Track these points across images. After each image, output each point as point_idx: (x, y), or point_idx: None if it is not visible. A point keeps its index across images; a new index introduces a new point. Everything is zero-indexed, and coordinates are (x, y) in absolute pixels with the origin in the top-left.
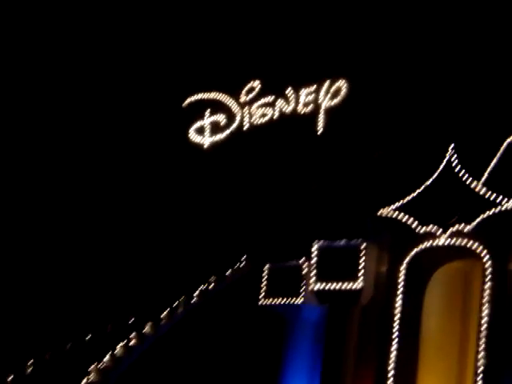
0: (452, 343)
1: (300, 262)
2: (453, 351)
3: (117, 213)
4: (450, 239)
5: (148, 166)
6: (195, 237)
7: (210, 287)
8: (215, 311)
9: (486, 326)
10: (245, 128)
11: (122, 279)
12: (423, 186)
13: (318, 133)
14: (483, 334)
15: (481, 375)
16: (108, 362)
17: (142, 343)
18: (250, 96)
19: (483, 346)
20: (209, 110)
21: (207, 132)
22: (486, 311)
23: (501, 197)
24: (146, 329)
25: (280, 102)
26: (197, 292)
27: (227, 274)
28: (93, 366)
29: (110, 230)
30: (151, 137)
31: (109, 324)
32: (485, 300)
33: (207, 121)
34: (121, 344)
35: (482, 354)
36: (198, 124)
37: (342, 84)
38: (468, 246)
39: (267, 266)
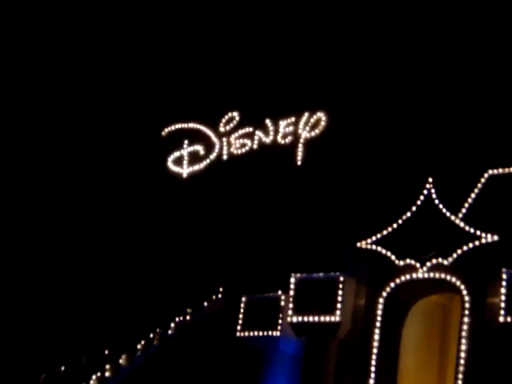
0: (430, 378)
1: (277, 294)
2: None
3: (95, 241)
4: (428, 272)
5: (126, 195)
6: (172, 268)
7: (187, 319)
8: (191, 343)
9: (463, 361)
10: (224, 158)
11: (96, 310)
12: (402, 219)
13: (297, 164)
14: (461, 369)
15: None
16: None
17: (117, 375)
18: (229, 127)
19: (461, 381)
20: (187, 140)
21: (186, 162)
22: (463, 346)
23: (479, 231)
24: (121, 360)
25: (259, 133)
26: (173, 324)
27: (204, 305)
28: None
29: (85, 259)
30: (130, 166)
31: (83, 355)
32: (463, 334)
33: (186, 151)
34: (95, 376)
35: None
36: (176, 154)
37: (321, 116)
38: (446, 279)
39: (244, 298)
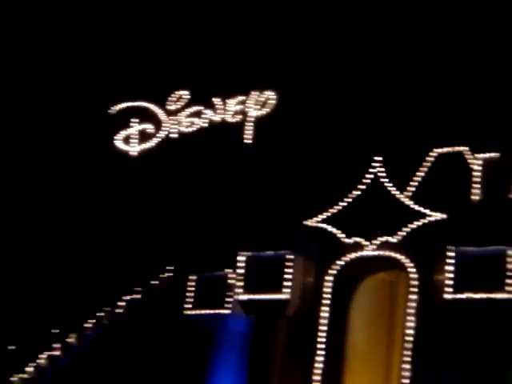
0: (378, 355)
1: (226, 272)
2: (379, 363)
3: (39, 220)
4: (376, 250)
5: (73, 174)
6: (120, 247)
7: (135, 297)
8: (140, 322)
9: (410, 338)
10: (172, 137)
11: (45, 289)
12: (350, 197)
13: (246, 143)
14: (408, 345)
15: None
16: (31, 373)
17: (66, 354)
18: (178, 105)
19: (408, 357)
20: (136, 119)
21: (134, 140)
22: (410, 323)
23: (426, 209)
24: (70, 339)
25: (208, 112)
26: (121, 302)
27: (152, 284)
28: (16, 378)
29: (32, 238)
30: (76, 144)
31: (32, 334)
32: (410, 311)
33: (134, 129)
34: (44, 355)
35: (407, 366)
36: (124, 132)
37: (270, 95)
38: (394, 257)
39: (192, 277)
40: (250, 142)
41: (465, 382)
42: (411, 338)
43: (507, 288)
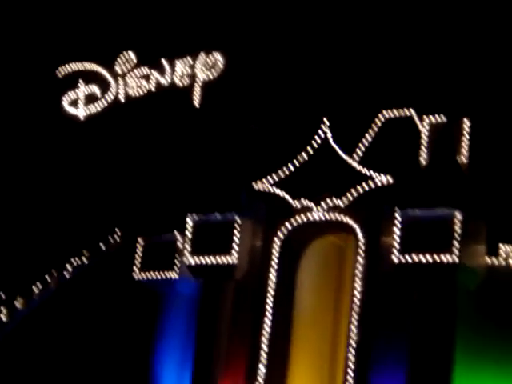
0: (326, 317)
1: (174, 235)
2: (326, 326)
3: None
4: (324, 213)
5: (20, 137)
6: (68, 210)
7: (83, 261)
8: (88, 286)
9: (358, 301)
10: (120, 100)
11: None
12: (298, 160)
13: (195, 106)
14: (356, 308)
15: (353, 350)
16: None
17: (12, 319)
18: (125, 67)
19: (356, 320)
20: (83, 81)
21: (82, 103)
22: (358, 286)
23: (374, 172)
24: (17, 304)
25: (155, 74)
26: (69, 266)
27: (100, 247)
28: None
29: None
30: (23, 107)
31: None
32: (357, 275)
33: (81, 92)
34: None
35: (354, 329)
36: (72, 95)
37: (217, 57)
38: (342, 220)
39: (141, 240)
40: (199, 105)
41: (411, 343)
42: (359, 301)
43: (454, 250)
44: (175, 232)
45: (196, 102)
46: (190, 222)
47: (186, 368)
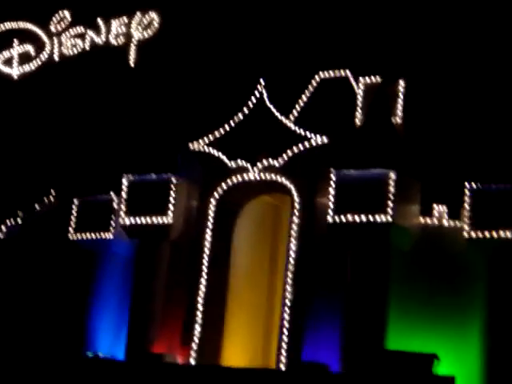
0: (261, 277)
1: (110, 196)
2: (262, 285)
3: None
4: (259, 174)
5: None
6: (2, 170)
7: (18, 222)
8: (23, 246)
9: (293, 260)
10: (55, 59)
11: None
12: (233, 121)
13: (130, 65)
14: (290, 268)
15: (288, 309)
16: None
17: None
18: (60, 26)
19: (291, 280)
20: (17, 40)
21: (16, 62)
22: (293, 246)
23: (310, 132)
24: None
25: (91, 33)
26: (3, 227)
27: (35, 208)
28: None
29: None
30: None
31: None
32: (292, 234)
33: (16, 51)
34: None
35: (289, 288)
36: (6, 54)
37: (153, 16)
38: (277, 180)
39: (76, 201)
40: (134, 64)
41: (346, 302)
42: (293, 261)
43: (388, 210)
44: (111, 192)
45: (131, 61)
46: (125, 183)
47: (122, 328)
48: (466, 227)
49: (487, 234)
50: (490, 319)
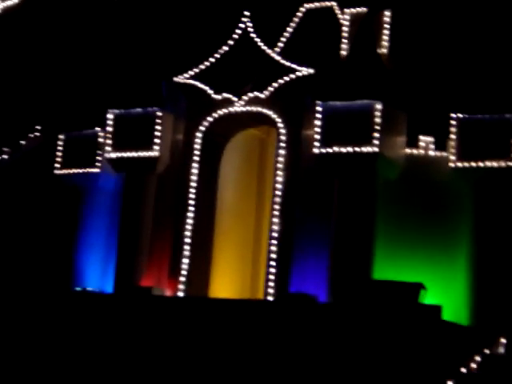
0: (248, 209)
1: (95, 130)
2: (249, 218)
3: None
4: (245, 106)
5: None
6: None
7: (4, 158)
8: (9, 183)
9: (280, 192)
10: None
11: None
12: (219, 53)
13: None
14: (277, 199)
15: (275, 241)
16: None
17: None
18: None
19: (277, 211)
20: None
21: None
22: (279, 177)
23: (295, 64)
24: None
25: None
26: None
27: (21, 144)
28: None
29: None
30: None
31: None
32: (279, 166)
33: None
34: None
35: (276, 220)
36: None
37: None
38: (263, 112)
39: (61, 136)
40: None
41: (333, 233)
42: (280, 192)
43: (374, 141)
44: (96, 127)
45: None
46: (110, 117)
47: (110, 263)
48: (452, 157)
49: (473, 164)
50: (477, 248)
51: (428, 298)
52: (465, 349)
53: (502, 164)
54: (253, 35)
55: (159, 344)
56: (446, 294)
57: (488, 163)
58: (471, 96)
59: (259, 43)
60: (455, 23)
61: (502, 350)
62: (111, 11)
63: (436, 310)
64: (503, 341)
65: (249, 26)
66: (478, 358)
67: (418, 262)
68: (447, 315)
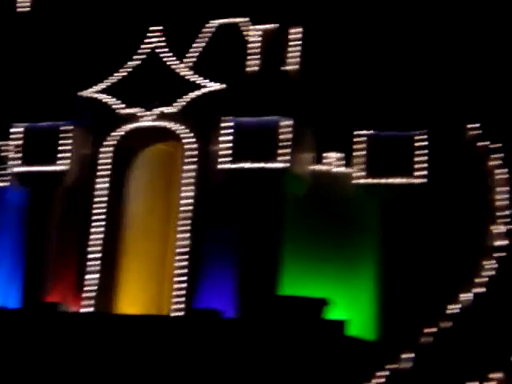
0: (156, 225)
1: (1, 144)
2: (157, 233)
3: None
4: (154, 121)
5: None
6: None
7: None
8: None
9: (187, 208)
10: None
11: None
12: (128, 67)
13: (22, 11)
14: (185, 215)
15: (183, 256)
16: None
17: None
18: None
19: (186, 226)
20: None
21: None
22: (188, 192)
23: (205, 79)
24: None
25: None
26: None
27: None
28: None
29: None
30: None
31: None
32: (187, 181)
33: None
34: None
35: (184, 235)
36: None
37: None
38: (172, 127)
39: None
40: (27, 9)
41: (240, 248)
42: (188, 208)
43: (282, 157)
44: (4, 140)
45: (24, 6)
46: (18, 130)
47: (16, 278)
48: (357, 174)
49: (379, 180)
50: (383, 263)
51: (335, 313)
52: (368, 364)
53: (405, 181)
54: (162, 50)
55: (62, 360)
56: (354, 308)
57: (392, 180)
58: (376, 113)
59: (168, 58)
60: (364, 41)
61: (408, 364)
62: (19, 24)
63: (339, 325)
64: (410, 355)
65: (159, 41)
66: (384, 373)
67: (326, 278)
68: (355, 330)
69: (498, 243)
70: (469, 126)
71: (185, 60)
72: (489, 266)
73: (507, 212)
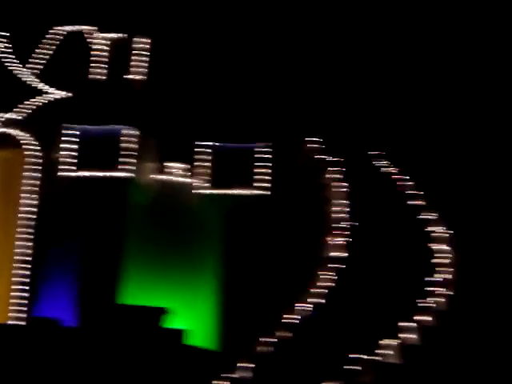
0: None
1: None
2: None
3: None
4: None
5: None
6: None
7: None
8: None
9: (28, 215)
10: None
11: None
12: None
13: None
14: (26, 223)
15: (20, 264)
16: None
17: None
18: None
19: (27, 234)
20: None
21: None
22: (28, 200)
23: (50, 87)
24: None
25: None
26: None
27: None
28: None
29: None
30: None
31: None
32: (27, 189)
33: None
34: None
35: (24, 244)
36: None
37: None
38: (14, 134)
39: None
40: None
41: (83, 256)
42: (30, 216)
43: (124, 166)
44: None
45: None
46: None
47: None
48: (201, 184)
49: (222, 191)
50: (224, 274)
51: (176, 323)
52: (205, 372)
53: (248, 192)
54: (6, 55)
55: None
56: (195, 318)
57: (234, 191)
58: (220, 125)
59: (12, 63)
60: (209, 54)
61: (247, 373)
62: None
63: (177, 333)
64: (248, 364)
65: (3, 46)
66: (221, 382)
67: (168, 287)
68: (196, 340)
69: (334, 254)
70: (308, 139)
71: (29, 66)
72: (325, 276)
73: (344, 224)
